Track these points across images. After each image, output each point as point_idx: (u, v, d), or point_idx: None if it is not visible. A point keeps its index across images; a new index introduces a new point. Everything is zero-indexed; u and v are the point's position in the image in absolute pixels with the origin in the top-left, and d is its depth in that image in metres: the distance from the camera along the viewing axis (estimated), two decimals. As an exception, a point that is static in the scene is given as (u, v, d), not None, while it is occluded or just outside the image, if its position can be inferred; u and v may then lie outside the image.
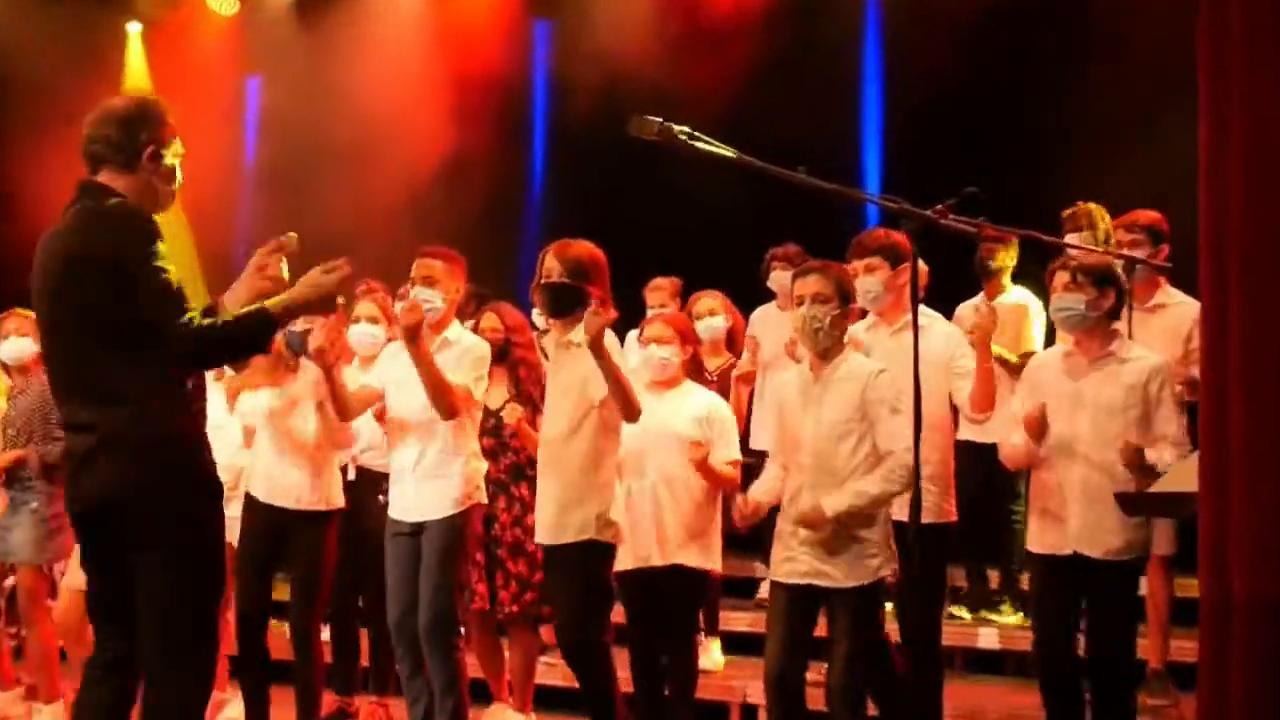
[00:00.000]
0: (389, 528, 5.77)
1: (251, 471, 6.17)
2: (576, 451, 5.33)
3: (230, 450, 6.15)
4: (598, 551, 5.35)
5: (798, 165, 4.02)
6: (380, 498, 6.16)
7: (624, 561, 5.54)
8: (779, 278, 7.31)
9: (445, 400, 5.50)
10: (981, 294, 7.27)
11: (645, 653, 5.73)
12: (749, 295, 7.66)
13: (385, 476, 6.04)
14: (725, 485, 5.82)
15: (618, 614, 5.67)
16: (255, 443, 6.22)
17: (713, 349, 7.20)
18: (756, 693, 6.16)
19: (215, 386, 6.17)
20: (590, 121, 9.52)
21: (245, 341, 4.02)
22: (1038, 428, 5.11)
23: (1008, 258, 7.16)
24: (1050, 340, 5.89)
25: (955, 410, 5.59)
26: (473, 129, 10.05)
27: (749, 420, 7.42)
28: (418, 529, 5.65)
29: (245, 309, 4.01)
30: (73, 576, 6.35)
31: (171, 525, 3.92)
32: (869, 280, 5.40)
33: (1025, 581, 6.99)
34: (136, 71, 11.23)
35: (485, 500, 5.82)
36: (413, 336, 5.38)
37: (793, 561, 5.02)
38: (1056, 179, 7.80)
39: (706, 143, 3.87)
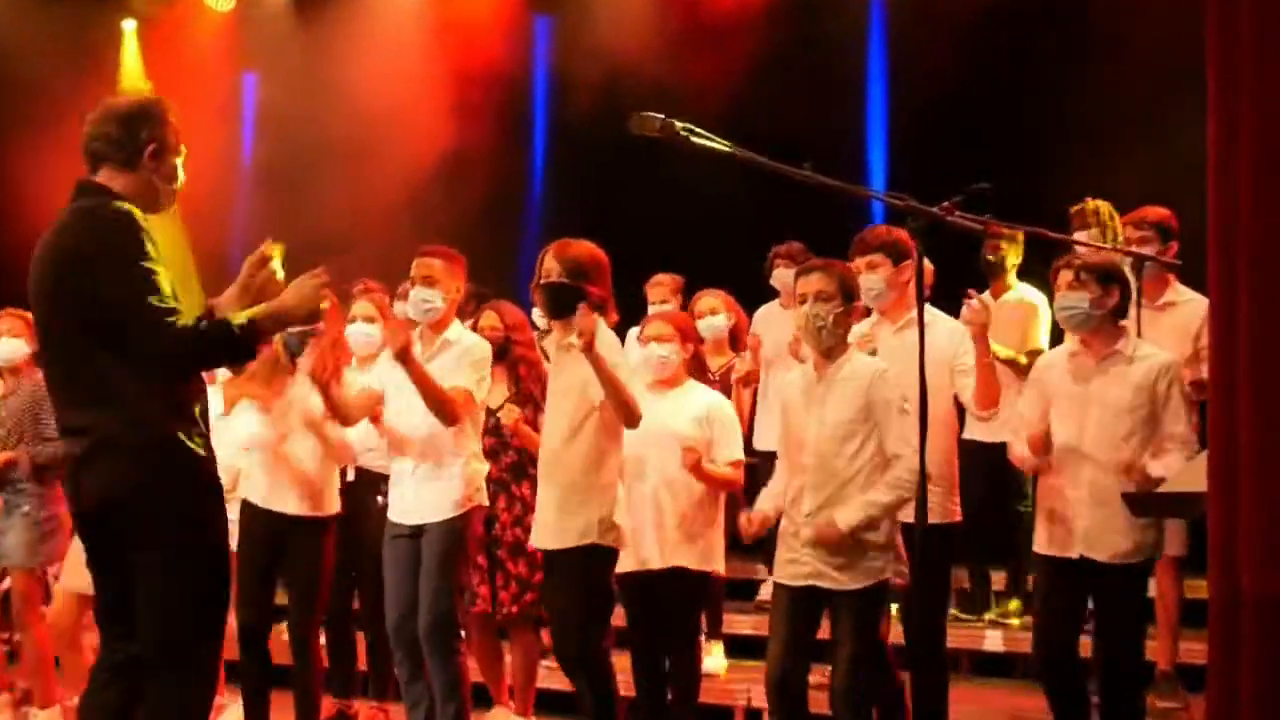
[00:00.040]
0: (388, 530, 5.78)
1: (249, 475, 6.17)
2: (577, 454, 5.32)
3: (228, 451, 6.15)
4: (600, 556, 5.35)
5: (802, 162, 4.03)
6: (379, 499, 6.17)
7: (624, 564, 5.53)
8: (782, 276, 7.31)
9: (445, 411, 5.54)
10: (986, 292, 7.27)
11: (646, 656, 5.74)
12: (752, 293, 7.66)
13: (384, 478, 6.05)
14: (726, 487, 5.82)
15: (617, 616, 5.67)
16: (252, 447, 6.22)
17: (715, 348, 7.19)
18: (760, 696, 6.16)
19: (213, 389, 6.17)
20: (591, 118, 9.54)
21: (230, 347, 4.00)
22: (1041, 447, 5.12)
23: (1013, 255, 7.16)
24: (1057, 338, 5.90)
25: (961, 408, 5.59)
26: (472, 126, 10.06)
27: (752, 421, 7.43)
28: (417, 531, 5.66)
29: (231, 314, 4.01)
30: (67, 579, 6.36)
31: (170, 525, 3.92)
32: (871, 278, 5.41)
33: (1031, 583, 7.02)
34: (132, 69, 11.24)
35: (486, 502, 5.83)
36: (403, 359, 5.40)
37: (796, 563, 5.02)
38: (1062, 176, 7.80)
39: (709, 139, 3.88)
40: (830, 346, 5.03)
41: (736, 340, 7.38)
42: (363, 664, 6.82)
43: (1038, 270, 6.49)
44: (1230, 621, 3.19)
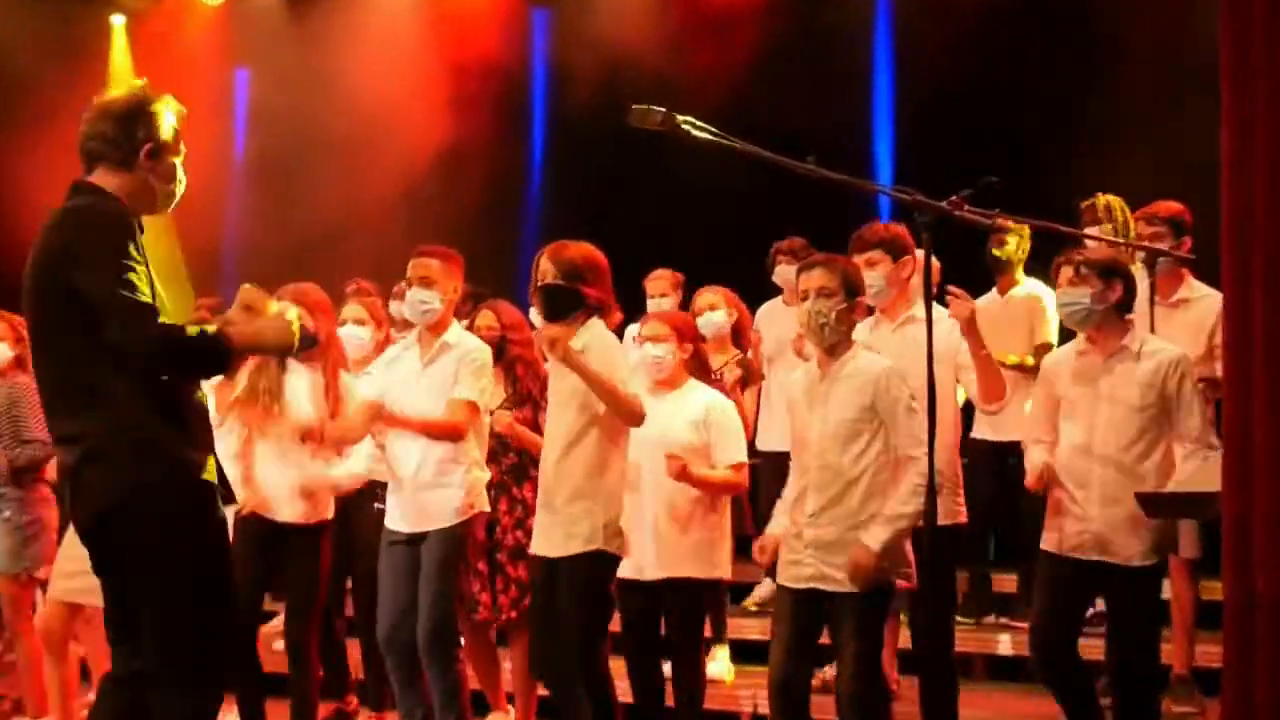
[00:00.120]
0: (385, 536, 5.78)
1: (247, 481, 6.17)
2: (579, 462, 5.31)
3: (223, 460, 6.17)
4: (604, 562, 5.35)
5: (805, 156, 4.03)
6: (376, 505, 6.18)
7: (622, 570, 5.52)
8: (784, 272, 7.31)
9: (449, 436, 5.59)
10: (994, 289, 7.29)
11: (643, 662, 5.74)
12: (756, 290, 7.66)
13: (382, 484, 6.06)
14: (727, 491, 5.81)
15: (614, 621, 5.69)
16: (246, 451, 6.22)
17: (716, 345, 7.15)
18: (767, 702, 6.17)
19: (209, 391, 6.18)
20: (591, 112, 9.54)
21: (201, 353, 3.94)
22: (1043, 485, 5.18)
23: (1020, 249, 7.16)
24: (1067, 335, 5.91)
25: (967, 406, 5.59)
26: (469, 120, 10.07)
27: (755, 422, 7.43)
28: (415, 538, 5.66)
29: (206, 327, 4.00)
30: (55, 588, 6.37)
31: (162, 534, 3.91)
32: (871, 275, 5.39)
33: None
34: (121, 65, 11.25)
35: (487, 508, 5.83)
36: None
37: (798, 565, 5.00)
38: (1071, 170, 7.82)
39: (710, 133, 3.88)
40: (834, 343, 5.01)
41: (740, 337, 7.38)
42: (358, 672, 6.82)
43: (1047, 265, 6.50)
44: (1245, 624, 3.20)
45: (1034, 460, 5.31)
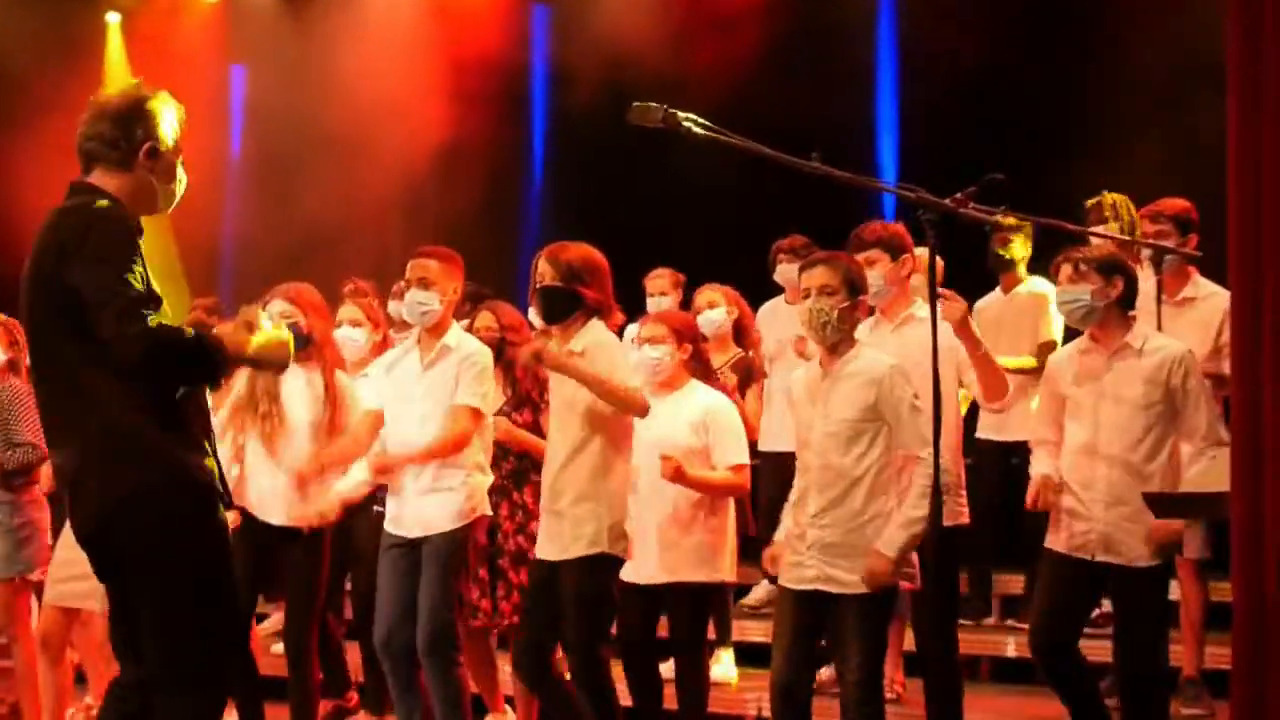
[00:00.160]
0: (384, 539, 5.77)
1: (241, 484, 6.17)
2: (584, 468, 5.33)
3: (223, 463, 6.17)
4: (607, 565, 5.36)
5: (809, 153, 4.03)
6: (375, 508, 6.18)
7: (623, 572, 5.52)
8: (785, 271, 7.30)
9: (455, 449, 5.59)
10: (998, 288, 7.30)
11: (641, 665, 5.74)
12: (758, 289, 7.66)
13: (382, 487, 6.05)
14: (728, 492, 5.81)
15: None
16: (244, 455, 6.21)
17: (718, 344, 7.11)
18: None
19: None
20: (592, 110, 9.53)
21: (192, 357, 3.91)
22: (1043, 501, 5.22)
23: (1023, 247, 7.16)
24: (1073, 333, 5.92)
25: (972, 406, 5.60)
26: (469, 119, 10.06)
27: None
28: (416, 542, 5.66)
29: (203, 331, 3.99)
30: (51, 593, 6.36)
31: (161, 536, 3.91)
32: (870, 274, 5.36)
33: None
34: (116, 63, 11.25)
35: (489, 511, 5.82)
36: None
37: (801, 566, 4.99)
38: (1078, 168, 7.81)
39: (712, 131, 3.88)
40: (835, 342, 5.00)
41: (743, 336, 7.35)
42: (358, 675, 6.83)
43: (1051, 263, 6.50)
44: (1255, 625, 3.20)
45: (1034, 472, 5.33)
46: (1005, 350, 6.99)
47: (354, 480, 6.05)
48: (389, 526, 5.75)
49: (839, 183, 4.13)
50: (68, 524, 5.99)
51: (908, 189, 4.28)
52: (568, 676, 5.56)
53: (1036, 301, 7.04)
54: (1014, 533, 7.23)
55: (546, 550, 5.43)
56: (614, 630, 5.70)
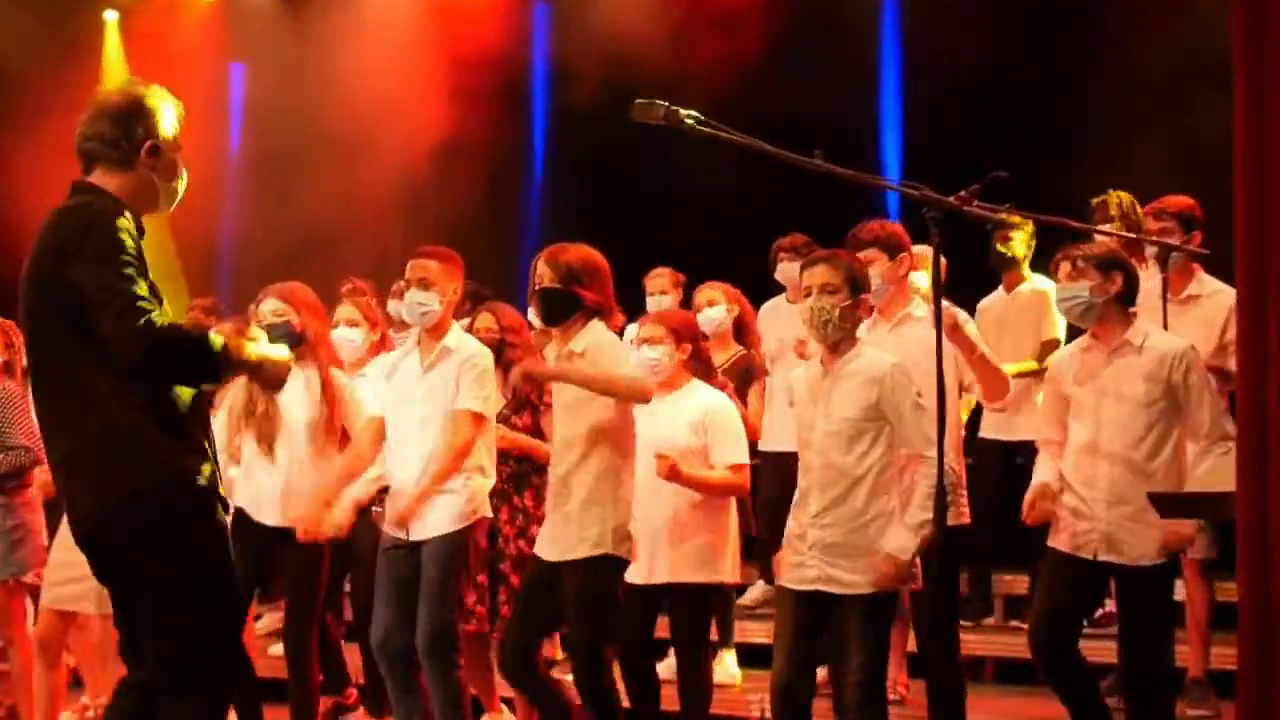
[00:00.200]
0: (383, 540, 5.77)
1: (237, 484, 6.17)
2: (589, 473, 5.34)
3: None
4: (611, 567, 5.36)
5: (812, 151, 4.03)
6: (374, 508, 6.18)
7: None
8: (786, 269, 7.31)
9: (462, 458, 5.57)
10: (1000, 286, 7.30)
11: (638, 665, 5.74)
12: (759, 288, 7.66)
13: (383, 488, 6.05)
14: (727, 492, 5.80)
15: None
16: (241, 455, 6.22)
17: (718, 342, 7.10)
18: (773, 707, 6.18)
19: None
20: (593, 107, 9.54)
21: (195, 357, 3.90)
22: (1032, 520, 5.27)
23: (1024, 245, 7.16)
24: (1076, 332, 5.93)
25: (978, 406, 5.60)
26: (469, 117, 10.07)
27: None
28: (416, 544, 5.65)
29: (205, 331, 3.99)
30: (47, 596, 6.36)
31: (160, 539, 3.90)
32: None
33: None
34: (114, 62, 11.25)
35: (489, 513, 5.82)
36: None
37: (802, 567, 4.99)
38: (1083, 165, 7.82)
39: (715, 128, 3.88)
40: (837, 340, 5.00)
41: (744, 333, 7.34)
42: (358, 676, 6.83)
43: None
44: (1261, 625, 3.19)
45: (1035, 479, 5.34)
46: (1009, 349, 7.00)
47: (362, 481, 6.05)
48: (388, 528, 5.74)
49: (842, 180, 4.13)
50: (63, 528, 6.00)
51: (912, 187, 4.29)
52: (568, 678, 5.57)
53: (1039, 300, 7.04)
54: (1016, 533, 7.23)
55: (548, 550, 5.43)
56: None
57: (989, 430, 7.17)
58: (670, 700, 5.91)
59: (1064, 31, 9.13)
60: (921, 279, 6.78)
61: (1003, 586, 7.58)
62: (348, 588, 6.91)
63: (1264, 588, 3.17)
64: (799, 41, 9.62)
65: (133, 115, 4.04)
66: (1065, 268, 5.25)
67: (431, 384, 5.63)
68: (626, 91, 4.27)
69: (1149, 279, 6.11)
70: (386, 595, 5.69)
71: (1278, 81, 3.18)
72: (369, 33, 10.73)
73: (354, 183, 10.20)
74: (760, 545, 7.29)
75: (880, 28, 10.17)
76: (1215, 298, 6.11)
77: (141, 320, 3.77)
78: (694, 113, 3.88)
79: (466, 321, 6.36)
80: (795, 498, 5.10)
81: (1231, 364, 5.81)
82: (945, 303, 5.20)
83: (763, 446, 7.19)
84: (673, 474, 5.52)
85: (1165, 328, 5.52)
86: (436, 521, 5.61)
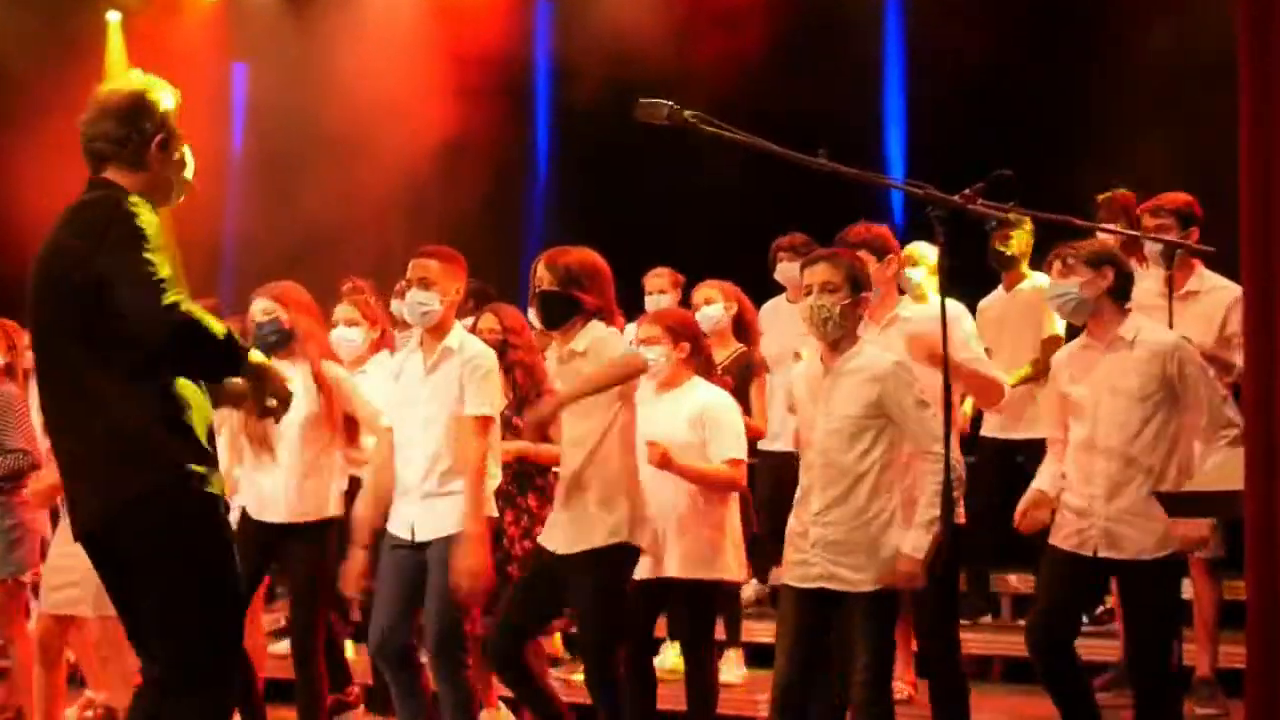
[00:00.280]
0: (386, 540, 5.76)
1: (240, 484, 6.17)
2: (604, 465, 5.37)
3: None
4: (628, 556, 5.39)
5: (816, 150, 4.02)
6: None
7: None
8: (786, 269, 7.32)
9: (480, 467, 5.54)
10: (1000, 285, 7.30)
11: (639, 664, 5.74)
12: (760, 288, 7.66)
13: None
14: (723, 486, 5.79)
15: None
16: (244, 454, 6.22)
17: (717, 340, 7.07)
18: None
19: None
20: (596, 106, 9.53)
21: (214, 349, 3.88)
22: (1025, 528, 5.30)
23: (1024, 244, 7.16)
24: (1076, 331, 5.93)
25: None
26: (471, 116, 10.06)
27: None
28: (421, 545, 5.64)
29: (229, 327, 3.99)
30: (45, 600, 6.36)
31: (167, 537, 3.90)
32: None
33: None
34: (117, 62, 11.25)
35: (494, 514, 5.82)
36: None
37: (805, 564, 4.99)
38: (1087, 164, 7.82)
39: (719, 127, 3.88)
40: (838, 338, 5.01)
41: (747, 332, 7.33)
42: (365, 677, 6.84)
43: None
44: (1269, 624, 3.18)
45: (1033, 484, 5.36)
46: (1009, 347, 7.02)
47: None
48: (392, 528, 5.72)
49: (847, 179, 4.12)
50: (60, 531, 6.01)
51: (916, 185, 4.28)
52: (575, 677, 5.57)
53: (1039, 297, 7.03)
54: (1017, 532, 7.23)
55: (557, 542, 5.45)
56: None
57: (989, 429, 7.17)
58: (666, 699, 5.90)
59: (1067, 30, 9.12)
60: (916, 274, 6.81)
61: (1010, 586, 7.58)
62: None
63: (1272, 586, 3.16)
64: (802, 40, 9.62)
65: (139, 111, 4.03)
66: (1057, 265, 5.28)
67: (435, 385, 5.62)
68: (629, 90, 4.27)
69: (1149, 277, 6.12)
70: (387, 595, 5.68)
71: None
72: (371, 32, 10.73)
73: (356, 182, 10.20)
74: (759, 544, 7.29)
75: (883, 26, 10.17)
76: (1214, 293, 6.11)
77: (172, 300, 3.76)
78: (697, 112, 3.87)
79: (469, 322, 6.36)
80: (797, 495, 5.10)
81: (1230, 355, 5.83)
82: (921, 334, 5.21)
83: (761, 446, 7.19)
84: (664, 462, 5.53)
85: (1171, 325, 5.52)
86: (441, 522, 5.60)
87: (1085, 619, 6.19)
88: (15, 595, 6.67)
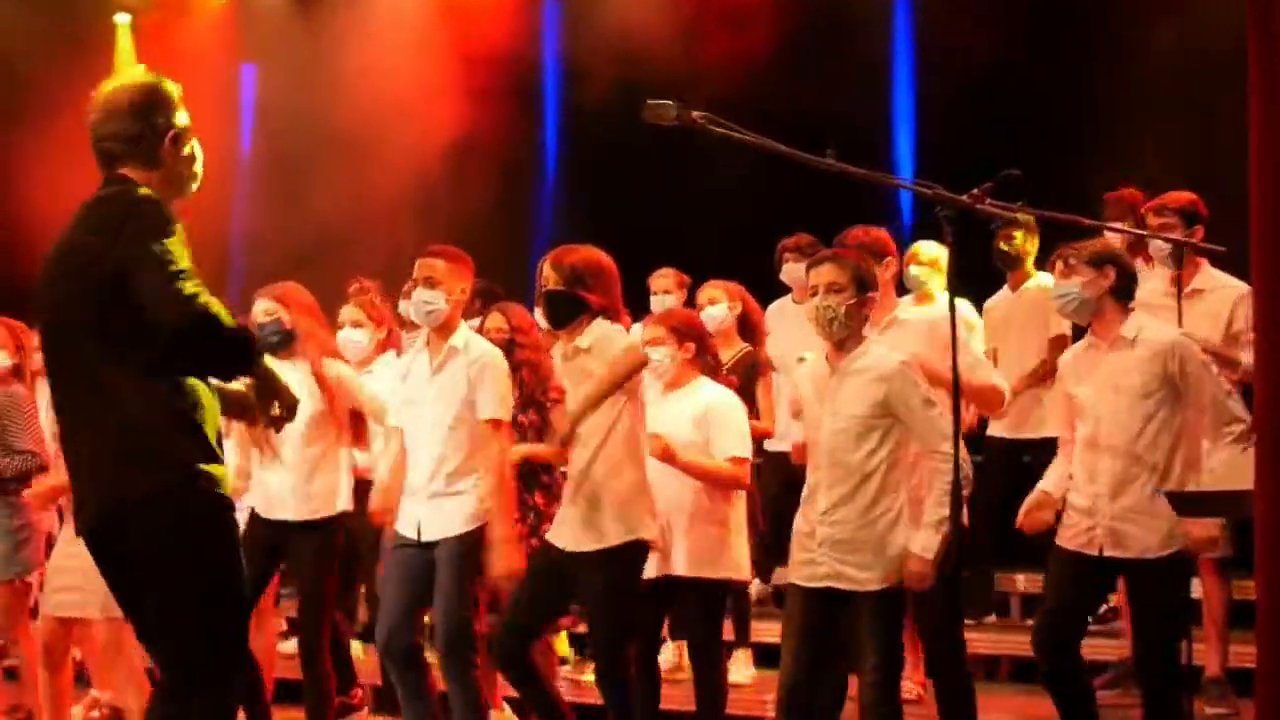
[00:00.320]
0: (394, 539, 5.76)
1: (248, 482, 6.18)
2: (610, 462, 5.37)
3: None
4: (639, 553, 5.41)
5: (824, 150, 4.02)
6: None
7: None
8: (791, 270, 7.32)
9: (504, 474, 5.55)
10: (1005, 285, 7.28)
11: (646, 663, 5.73)
12: (765, 289, 7.65)
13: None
14: (727, 484, 5.78)
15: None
16: (250, 454, 6.23)
17: (722, 340, 7.00)
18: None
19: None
20: (604, 105, 9.53)
21: (229, 345, 3.88)
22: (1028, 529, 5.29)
23: (1029, 243, 7.15)
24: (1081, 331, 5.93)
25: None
26: (480, 116, 10.07)
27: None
28: (428, 544, 5.64)
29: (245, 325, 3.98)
30: (48, 603, 6.37)
31: (175, 537, 3.89)
32: None
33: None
34: (126, 64, 11.25)
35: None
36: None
37: (811, 563, 4.98)
38: (1092, 164, 7.81)
39: (727, 128, 3.87)
40: (843, 338, 4.99)
41: (752, 331, 7.32)
42: (374, 678, 6.84)
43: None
44: (1279, 623, 3.18)
45: (1039, 485, 5.36)
46: (1015, 346, 7.01)
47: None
48: (400, 528, 5.73)
49: (856, 179, 4.12)
50: (62, 534, 6.02)
51: (925, 185, 4.28)
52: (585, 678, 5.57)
53: (1045, 297, 7.02)
54: (1020, 532, 7.23)
55: (565, 539, 5.45)
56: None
57: (996, 429, 7.16)
58: (670, 699, 5.89)
59: (1075, 29, 9.11)
60: (920, 273, 6.80)
61: (1020, 586, 7.57)
62: (362, 589, 6.92)
63: (1281, 586, 3.16)
64: (810, 39, 9.61)
65: (150, 107, 4.01)
66: (1059, 265, 5.27)
67: (441, 385, 5.62)
68: (637, 89, 4.26)
69: (1154, 276, 6.11)
70: (393, 594, 5.69)
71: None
72: (380, 33, 10.74)
73: (365, 183, 10.21)
74: (764, 543, 7.28)
75: (892, 25, 10.16)
76: (1219, 292, 6.11)
77: (192, 290, 3.76)
78: (705, 113, 3.86)
79: (477, 321, 6.36)
80: (804, 494, 5.10)
81: (1236, 352, 5.82)
82: (918, 351, 5.21)
83: (768, 445, 7.18)
84: (665, 454, 5.53)
85: (1180, 324, 5.52)
86: (449, 522, 5.60)
87: (1089, 619, 6.17)
88: (21, 595, 6.67)
